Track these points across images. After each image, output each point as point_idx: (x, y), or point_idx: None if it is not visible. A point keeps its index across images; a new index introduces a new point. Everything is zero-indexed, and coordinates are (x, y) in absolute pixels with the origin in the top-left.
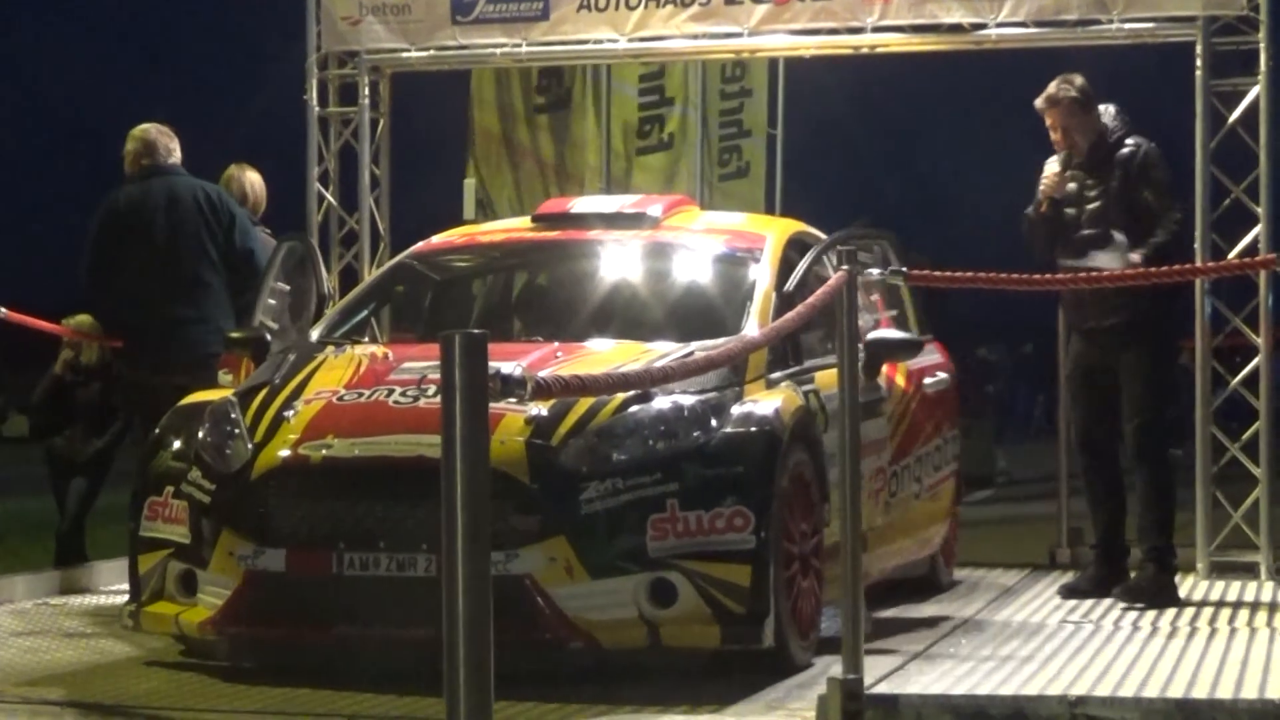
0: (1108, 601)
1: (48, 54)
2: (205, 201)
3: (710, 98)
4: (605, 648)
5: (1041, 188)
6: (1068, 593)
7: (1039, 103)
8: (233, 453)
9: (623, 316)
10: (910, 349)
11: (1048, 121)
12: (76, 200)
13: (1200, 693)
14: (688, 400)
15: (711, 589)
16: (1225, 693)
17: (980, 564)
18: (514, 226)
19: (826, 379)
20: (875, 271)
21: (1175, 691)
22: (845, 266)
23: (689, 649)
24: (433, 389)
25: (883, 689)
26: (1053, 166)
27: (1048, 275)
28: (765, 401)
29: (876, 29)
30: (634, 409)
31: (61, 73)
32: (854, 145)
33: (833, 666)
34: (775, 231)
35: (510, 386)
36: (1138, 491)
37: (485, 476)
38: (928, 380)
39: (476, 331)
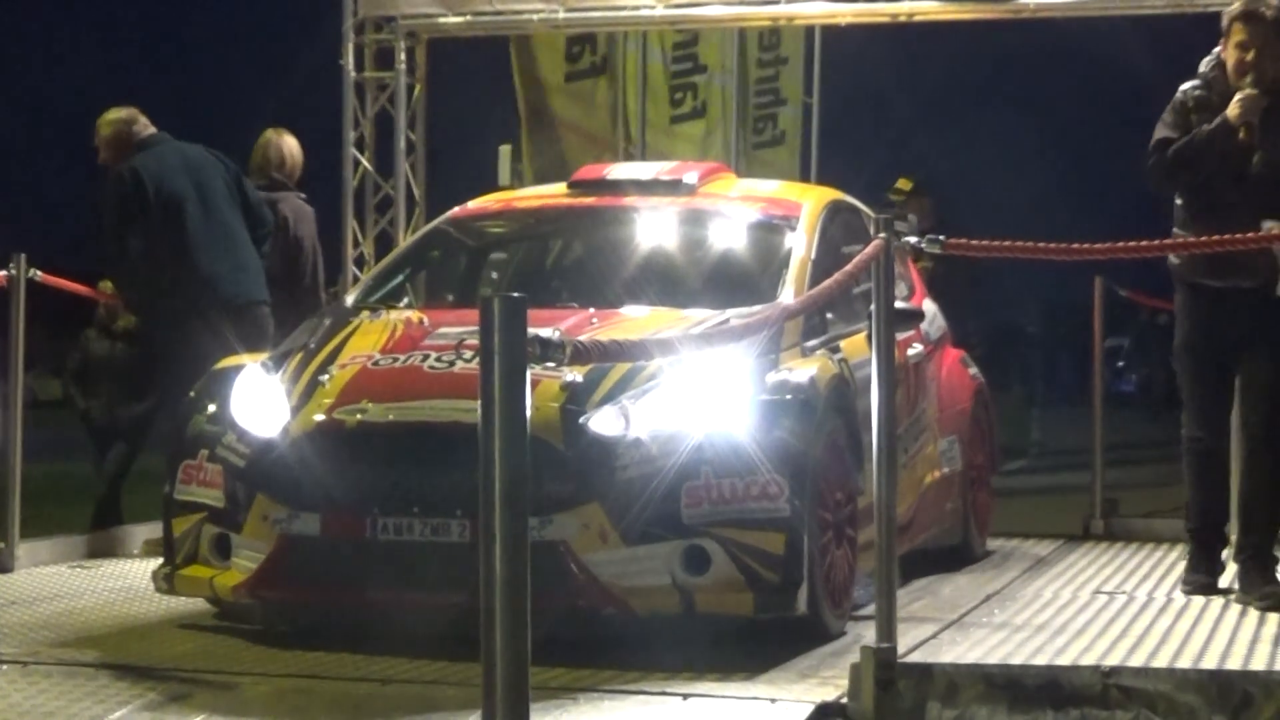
0: (1141, 573)
1: (76, 20)
2: (216, 157)
3: (746, 65)
4: (638, 614)
5: (1241, 111)
6: (1193, 589)
7: (1235, 15)
8: (267, 417)
9: (658, 283)
10: (912, 319)
11: (1236, 39)
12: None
13: (1234, 664)
14: (723, 367)
15: (745, 556)
16: (1259, 664)
17: (1014, 534)
18: (550, 193)
19: (852, 347)
20: (912, 239)
21: (1209, 663)
22: (882, 234)
23: (722, 616)
24: (469, 353)
25: (916, 658)
26: (1246, 90)
27: (1085, 245)
28: (801, 369)
29: None
30: (669, 376)
31: (95, 37)
32: (890, 114)
33: (865, 635)
34: (812, 199)
35: (548, 351)
36: (1255, 479)
37: (523, 440)
38: (910, 352)
39: (516, 295)
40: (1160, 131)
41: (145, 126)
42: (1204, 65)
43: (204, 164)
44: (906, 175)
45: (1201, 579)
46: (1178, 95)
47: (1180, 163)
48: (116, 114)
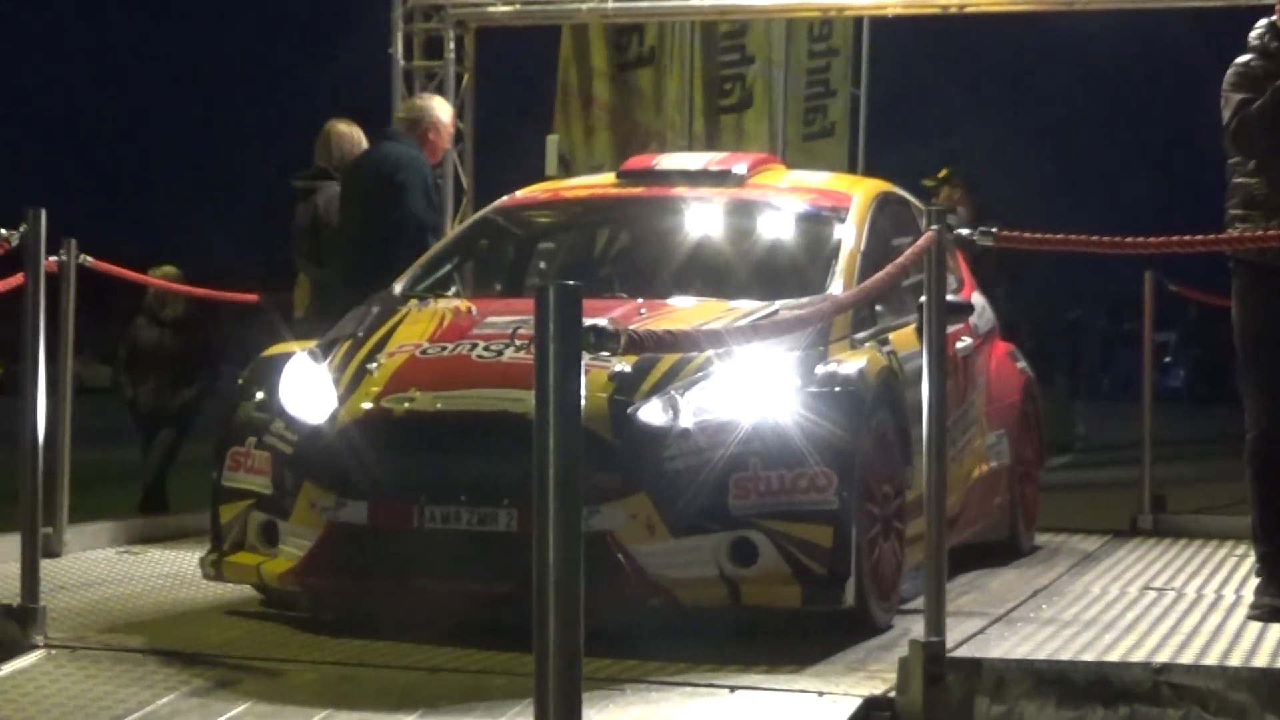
0: (1190, 569)
1: (128, 9)
2: (390, 167)
3: (797, 56)
4: (685, 606)
5: None
6: (1262, 614)
7: None
8: (315, 404)
9: (706, 274)
10: (961, 312)
11: None
12: (154, 152)
13: None
14: (772, 359)
15: (793, 549)
16: None
17: (1061, 529)
18: (598, 182)
19: (901, 339)
20: (964, 232)
21: (1260, 661)
22: (934, 227)
23: (769, 609)
24: (522, 342)
25: (964, 652)
26: None
27: (1138, 239)
28: (850, 362)
29: None
30: (717, 366)
31: (147, 27)
32: (938, 105)
33: (913, 629)
34: (861, 191)
35: (603, 340)
36: None
37: (578, 429)
38: (959, 345)
39: (571, 284)
40: (1237, 96)
41: (400, 123)
42: (1255, 38)
43: (381, 174)
44: (948, 164)
45: (1273, 602)
46: (1239, 69)
47: (1273, 114)
48: (413, 102)
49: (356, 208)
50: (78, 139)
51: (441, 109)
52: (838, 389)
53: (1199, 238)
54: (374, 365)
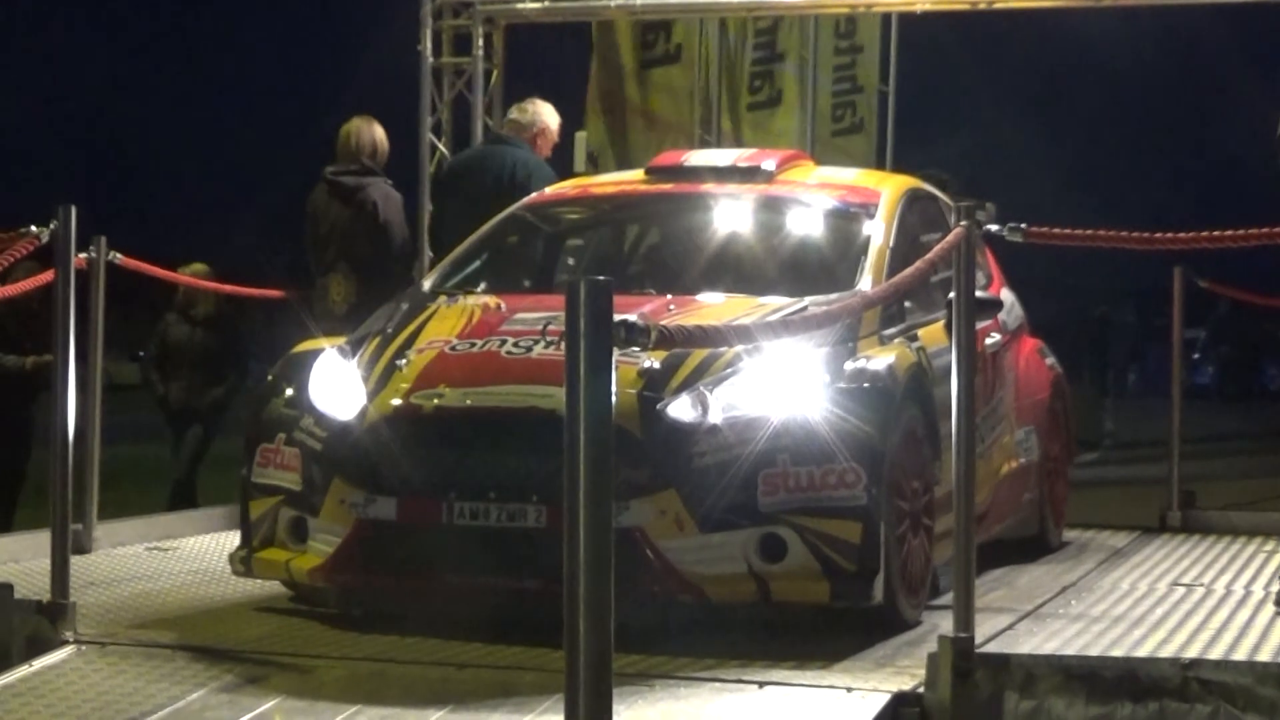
0: (1219, 566)
1: (154, 7)
2: (523, 174)
3: (823, 53)
4: (714, 602)
5: None
6: None
7: None
8: (345, 401)
9: (735, 270)
10: (990, 308)
11: None
12: (183, 149)
13: None
14: (801, 355)
15: (822, 545)
16: None
17: (1090, 525)
18: (627, 179)
19: (930, 335)
20: (994, 228)
21: None
22: (963, 222)
23: (798, 605)
24: (553, 338)
25: (993, 648)
26: None
27: (1168, 234)
28: (879, 358)
29: None
30: (746, 363)
31: (175, 23)
32: (967, 101)
33: (941, 624)
34: (890, 187)
35: (633, 335)
36: None
37: (608, 424)
38: (988, 341)
39: (601, 279)
40: None
41: (511, 125)
42: None
43: (502, 176)
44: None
45: None
46: None
47: None
48: (524, 106)
49: (470, 208)
50: (107, 136)
51: (550, 115)
52: (867, 385)
53: (1229, 233)
54: (403, 361)
